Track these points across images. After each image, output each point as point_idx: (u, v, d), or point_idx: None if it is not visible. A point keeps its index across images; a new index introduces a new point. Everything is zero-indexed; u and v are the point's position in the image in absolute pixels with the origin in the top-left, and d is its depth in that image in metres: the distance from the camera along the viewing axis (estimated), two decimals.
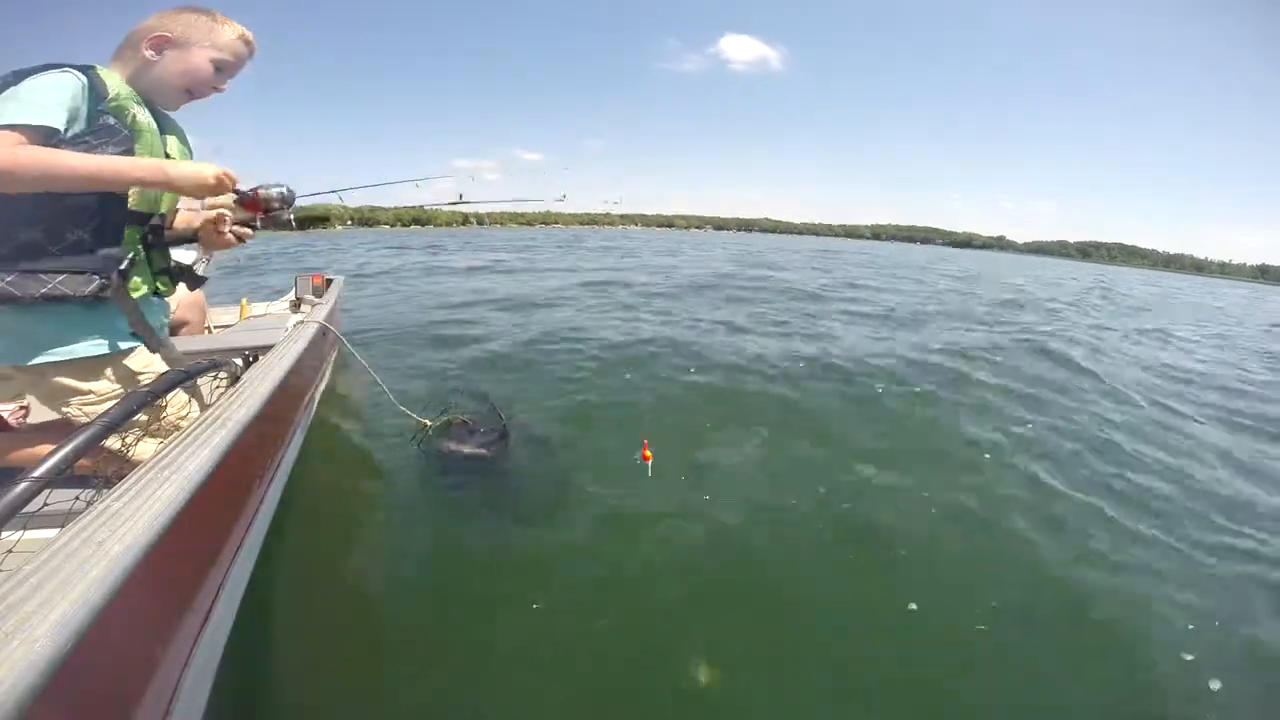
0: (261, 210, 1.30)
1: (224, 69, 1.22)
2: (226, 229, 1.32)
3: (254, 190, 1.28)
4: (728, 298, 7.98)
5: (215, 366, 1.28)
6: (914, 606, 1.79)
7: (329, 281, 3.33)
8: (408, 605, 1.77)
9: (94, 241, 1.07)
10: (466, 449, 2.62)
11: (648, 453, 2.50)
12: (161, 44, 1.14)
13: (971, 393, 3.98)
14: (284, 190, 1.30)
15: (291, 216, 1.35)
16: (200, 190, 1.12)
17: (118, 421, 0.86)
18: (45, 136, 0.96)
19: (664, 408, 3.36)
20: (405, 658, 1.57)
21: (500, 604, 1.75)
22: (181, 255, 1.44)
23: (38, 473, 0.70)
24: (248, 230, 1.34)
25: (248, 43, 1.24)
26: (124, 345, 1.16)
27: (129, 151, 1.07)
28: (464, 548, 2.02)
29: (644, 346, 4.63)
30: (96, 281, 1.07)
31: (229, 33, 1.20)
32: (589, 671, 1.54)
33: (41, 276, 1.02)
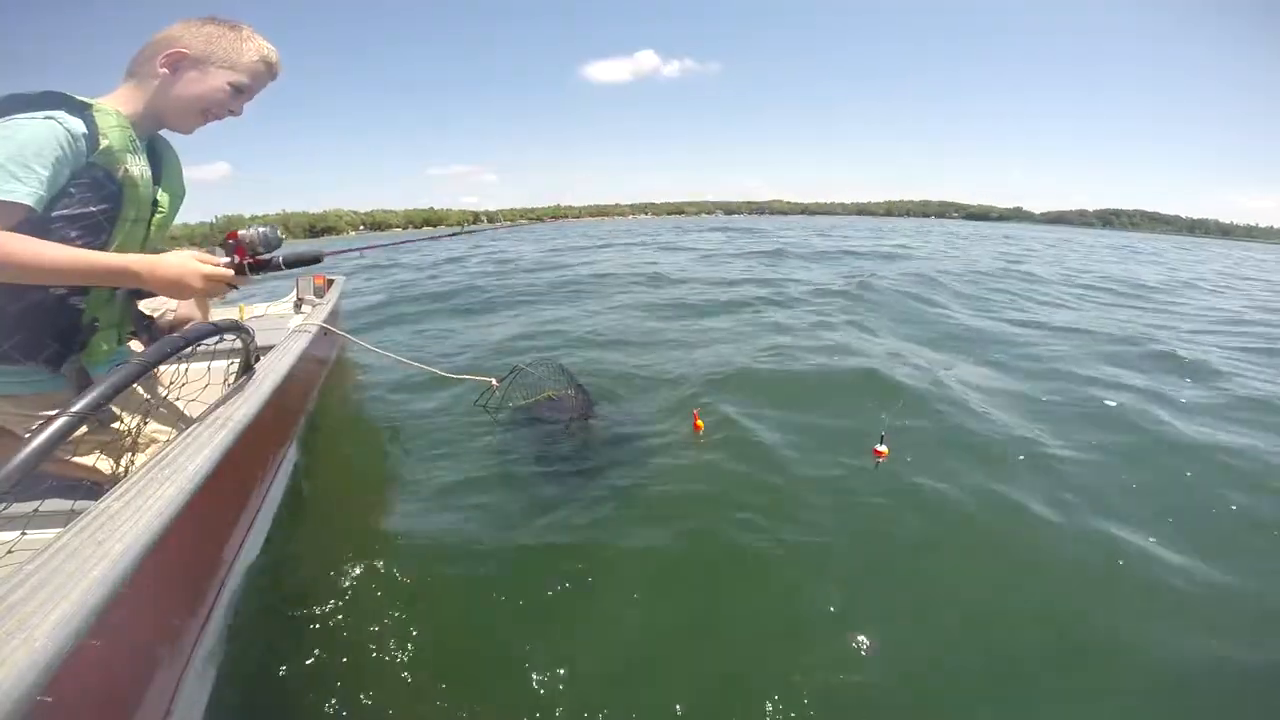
0: (249, 256, 1.19)
1: (242, 92, 1.15)
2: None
3: (235, 243, 1.18)
4: None
5: (217, 331, 1.09)
6: None
7: (330, 282, 3.34)
8: (409, 605, 1.76)
9: (54, 330, 1.02)
10: (546, 423, 2.61)
11: (699, 422, 2.63)
12: (177, 61, 1.07)
13: None
14: (266, 231, 1.19)
15: (281, 258, 1.24)
16: (180, 296, 1.05)
17: (108, 396, 0.75)
18: (24, 216, 0.88)
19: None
20: (406, 658, 1.57)
21: (504, 605, 1.74)
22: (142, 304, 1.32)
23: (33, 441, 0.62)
24: (240, 278, 1.21)
25: (269, 65, 1.17)
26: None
27: (115, 207, 1.02)
28: (467, 549, 2.00)
29: None
30: (52, 348, 1.02)
31: (250, 53, 1.13)
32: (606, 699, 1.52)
33: None
